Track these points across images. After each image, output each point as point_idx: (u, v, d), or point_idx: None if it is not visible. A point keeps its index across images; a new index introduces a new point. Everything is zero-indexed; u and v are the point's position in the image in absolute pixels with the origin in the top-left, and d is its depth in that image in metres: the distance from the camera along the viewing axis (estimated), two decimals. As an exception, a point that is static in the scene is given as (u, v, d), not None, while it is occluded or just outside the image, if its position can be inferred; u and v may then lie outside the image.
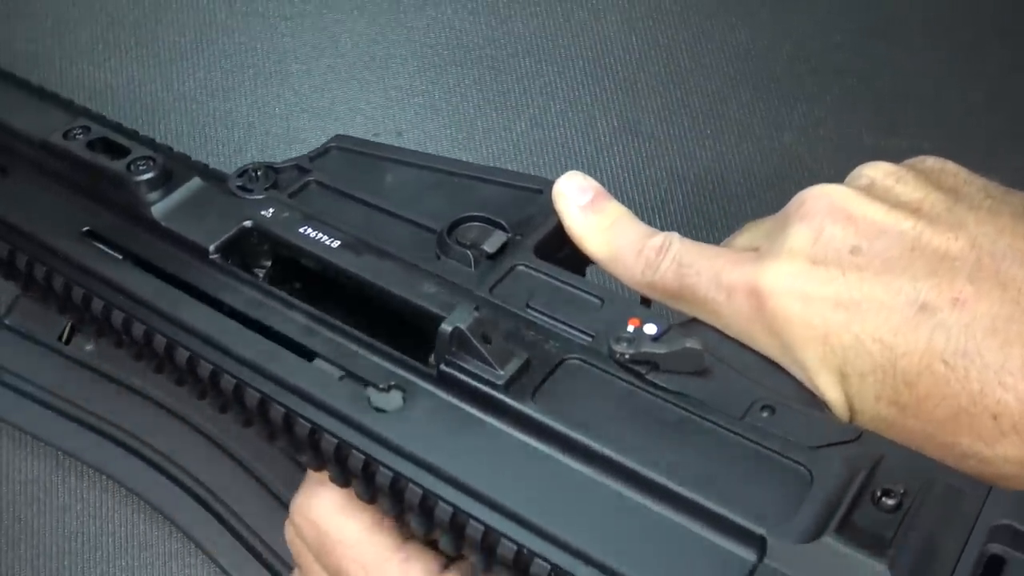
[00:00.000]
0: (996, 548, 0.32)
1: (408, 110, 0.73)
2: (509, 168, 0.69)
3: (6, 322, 0.58)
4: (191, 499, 0.54)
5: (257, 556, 0.53)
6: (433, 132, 0.72)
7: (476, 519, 0.36)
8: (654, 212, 0.68)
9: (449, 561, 0.41)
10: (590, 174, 0.62)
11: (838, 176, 0.71)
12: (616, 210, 0.44)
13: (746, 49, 0.77)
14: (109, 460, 0.55)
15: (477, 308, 0.39)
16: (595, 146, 0.71)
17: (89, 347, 0.57)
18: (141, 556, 0.56)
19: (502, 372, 0.38)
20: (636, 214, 0.44)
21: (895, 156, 0.72)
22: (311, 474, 0.43)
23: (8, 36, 0.74)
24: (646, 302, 0.43)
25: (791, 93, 0.75)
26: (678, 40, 0.77)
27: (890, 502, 0.33)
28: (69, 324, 0.57)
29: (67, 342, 0.57)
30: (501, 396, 0.38)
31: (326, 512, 0.42)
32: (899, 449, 0.35)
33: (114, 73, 0.73)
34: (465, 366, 0.38)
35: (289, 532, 0.45)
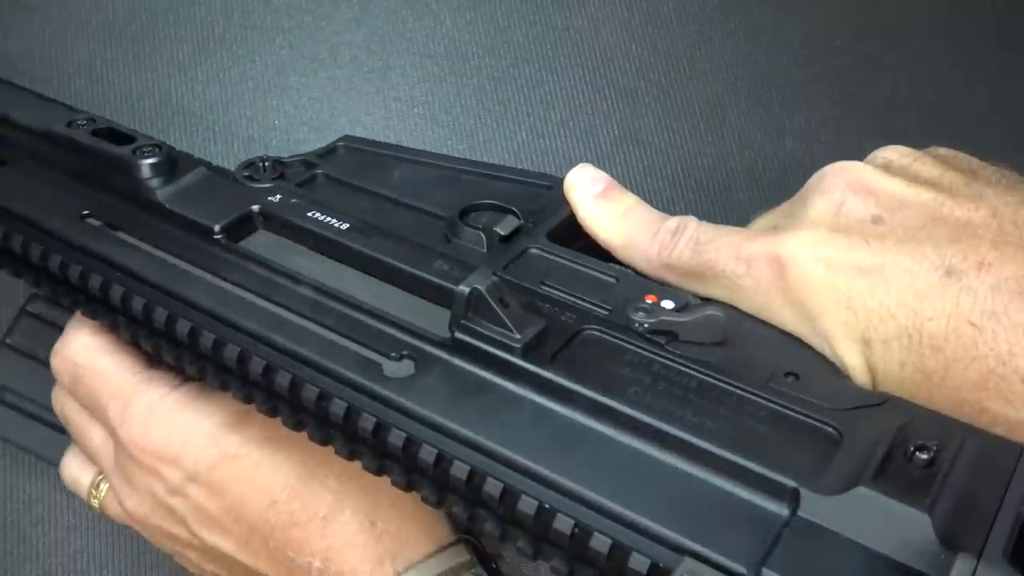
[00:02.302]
0: None
1: (408, 121, 0.72)
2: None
3: (7, 342, 0.57)
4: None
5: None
6: (434, 143, 0.71)
7: (495, 477, 0.34)
8: (657, 220, 0.68)
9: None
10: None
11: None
12: (629, 198, 0.44)
13: (746, 55, 0.77)
14: (113, 478, 0.55)
15: (495, 272, 0.38)
16: (596, 155, 0.71)
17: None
18: (149, 574, 0.56)
19: (519, 336, 0.37)
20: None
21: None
22: (70, 321, 0.49)
23: (5, 53, 0.74)
24: None
25: (791, 99, 0.74)
26: (678, 47, 0.76)
27: (924, 457, 0.32)
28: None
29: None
30: (519, 360, 0.37)
31: (79, 347, 0.48)
32: (927, 412, 0.35)
33: (112, 88, 0.73)
34: (481, 331, 0.37)
35: (55, 393, 0.51)
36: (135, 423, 0.46)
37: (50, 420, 0.56)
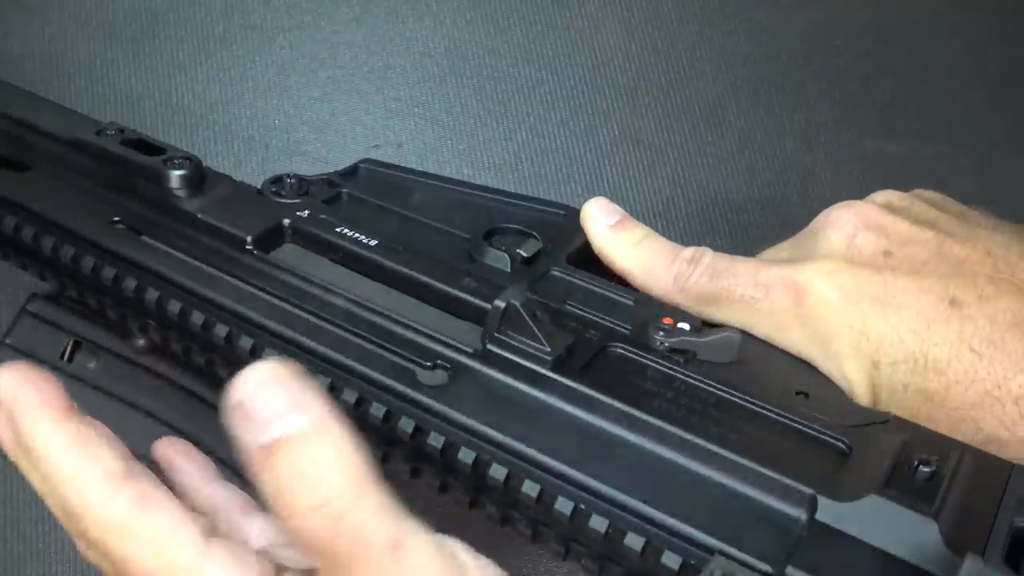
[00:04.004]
0: (1022, 522, 0.33)
1: (408, 121, 0.73)
2: (510, 177, 0.69)
3: (7, 342, 0.57)
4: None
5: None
6: (433, 143, 0.71)
7: (532, 479, 0.36)
8: (657, 220, 0.68)
9: None
10: (592, 183, 0.61)
11: (839, 181, 0.71)
12: (643, 229, 0.46)
13: (746, 55, 0.77)
14: (113, 478, 0.55)
15: (529, 289, 0.41)
16: (596, 154, 0.71)
17: (91, 365, 0.57)
18: (147, 574, 0.56)
19: (550, 349, 0.39)
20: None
21: (896, 160, 0.72)
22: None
23: (5, 53, 0.74)
24: None
25: (791, 98, 0.74)
26: (677, 47, 0.77)
27: (927, 470, 0.34)
28: (71, 342, 0.56)
29: (69, 360, 0.57)
30: (549, 372, 0.39)
31: (347, 495, 0.31)
32: (926, 431, 0.37)
33: (112, 88, 0.73)
34: (513, 343, 0.39)
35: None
36: None
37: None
